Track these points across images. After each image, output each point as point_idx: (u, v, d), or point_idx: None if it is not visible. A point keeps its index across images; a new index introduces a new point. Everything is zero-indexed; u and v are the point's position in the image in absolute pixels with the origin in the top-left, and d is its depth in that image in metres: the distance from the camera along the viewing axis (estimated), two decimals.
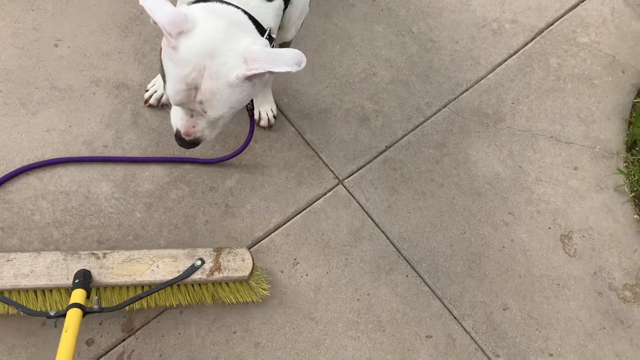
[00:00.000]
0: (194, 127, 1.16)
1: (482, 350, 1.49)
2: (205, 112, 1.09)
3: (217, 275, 1.32)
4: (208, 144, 1.27)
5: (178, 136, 1.19)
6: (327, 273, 1.52)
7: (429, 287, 1.55)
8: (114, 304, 1.31)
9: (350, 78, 1.78)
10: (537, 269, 1.61)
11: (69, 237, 1.45)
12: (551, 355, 1.50)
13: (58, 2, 1.72)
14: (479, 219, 1.65)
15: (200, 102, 1.07)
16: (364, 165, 1.67)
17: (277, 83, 1.72)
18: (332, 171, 1.64)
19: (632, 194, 1.73)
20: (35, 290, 1.27)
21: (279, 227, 1.55)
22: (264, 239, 1.53)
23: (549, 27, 1.96)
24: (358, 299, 1.50)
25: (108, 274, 1.28)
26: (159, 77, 1.60)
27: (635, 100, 1.88)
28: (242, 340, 1.41)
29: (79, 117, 1.59)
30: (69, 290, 1.27)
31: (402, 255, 1.57)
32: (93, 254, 1.29)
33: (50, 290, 1.28)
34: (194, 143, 1.19)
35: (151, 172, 1.55)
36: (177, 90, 1.06)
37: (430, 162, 1.71)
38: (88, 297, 1.24)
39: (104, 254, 1.30)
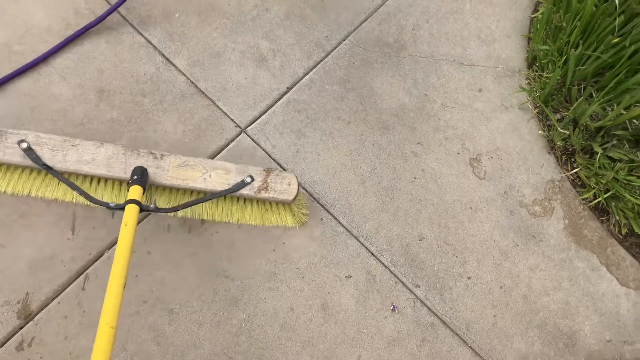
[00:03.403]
0: None
1: (402, 282, 1.48)
2: None
3: (263, 194, 1.36)
4: None
5: None
6: (239, 227, 1.45)
7: (344, 227, 1.51)
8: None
9: (241, 17, 1.66)
10: (450, 195, 1.60)
11: None
12: (469, 278, 1.52)
13: None
14: (389, 153, 1.61)
15: None
16: (267, 110, 1.58)
17: (160, 29, 1.57)
18: (232, 120, 1.55)
19: (536, 110, 1.74)
20: (92, 179, 1.32)
21: None
22: None
23: None
24: (274, 250, 1.45)
25: (163, 175, 1.31)
26: None
27: (533, 16, 1.87)
28: (154, 309, 1.34)
29: None
30: (126, 185, 1.31)
31: (314, 198, 1.52)
32: (151, 153, 1.32)
33: (106, 180, 1.32)
34: None
35: None
36: None
37: (336, 99, 1.64)
38: (143, 194, 1.28)
39: (162, 155, 1.33)
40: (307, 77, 1.65)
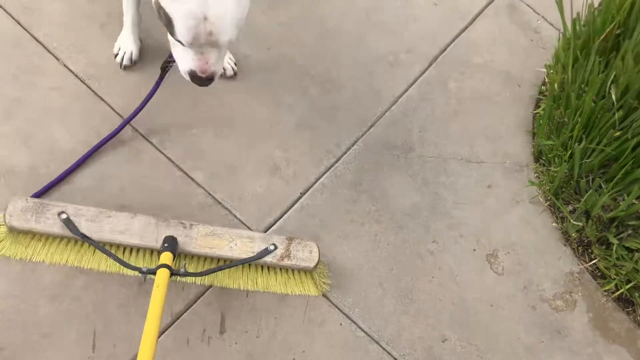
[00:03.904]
0: (207, 62, 1.22)
1: None
2: (216, 41, 1.17)
3: (286, 262, 1.43)
4: (219, 77, 1.30)
5: (194, 76, 1.25)
6: (258, 337, 1.44)
7: (365, 332, 1.50)
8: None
9: (254, 129, 1.74)
10: (469, 293, 1.59)
11: None
12: None
13: None
14: (405, 253, 1.63)
15: (210, 33, 1.15)
16: (281, 217, 1.62)
17: (179, 145, 1.65)
18: (248, 227, 1.58)
19: (547, 203, 1.76)
20: (124, 248, 1.40)
21: (199, 297, 1.47)
22: (185, 311, 1.44)
23: (442, 52, 2.00)
24: (293, 359, 1.43)
25: (192, 243, 1.40)
26: (120, 38, 1.70)
27: (534, 112, 1.93)
28: None
29: None
30: (157, 253, 1.39)
31: (333, 303, 1.52)
32: (181, 223, 1.42)
33: (138, 250, 1.41)
34: (210, 78, 1.26)
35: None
36: (189, 26, 1.13)
37: (348, 202, 1.68)
38: (173, 260, 1.35)
39: (191, 224, 1.42)
40: (319, 182, 1.70)
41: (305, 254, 1.45)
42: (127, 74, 1.70)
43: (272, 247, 1.43)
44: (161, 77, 1.55)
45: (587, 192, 1.66)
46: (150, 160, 1.61)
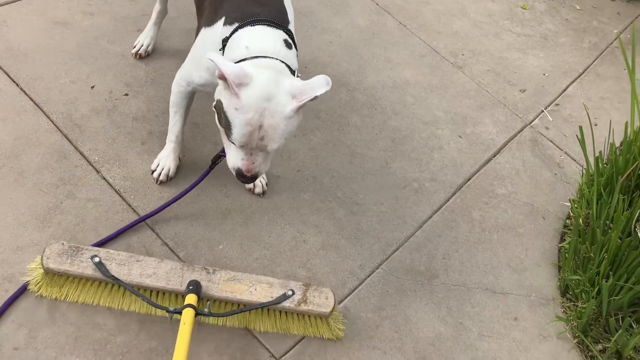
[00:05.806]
0: (253, 163, 1.37)
1: None
2: (265, 147, 1.33)
3: (303, 307, 1.50)
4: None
5: (240, 174, 1.40)
6: None
7: None
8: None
9: (280, 247, 1.77)
10: None
11: None
12: None
13: None
14: None
15: (262, 138, 1.31)
16: (302, 339, 1.59)
17: (204, 260, 1.67)
18: (267, 349, 1.55)
19: (575, 340, 1.70)
20: (151, 291, 1.49)
21: None
22: None
23: (466, 182, 2.05)
24: None
25: (214, 287, 1.48)
26: (160, 155, 1.79)
27: (560, 245, 1.93)
28: None
29: None
30: (182, 296, 1.48)
31: None
32: (205, 268, 1.51)
33: (163, 293, 1.49)
34: (254, 177, 1.41)
35: None
36: (244, 132, 1.30)
37: (370, 327, 1.65)
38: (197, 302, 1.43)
39: (214, 270, 1.51)
40: (341, 304, 1.68)
41: (322, 300, 1.51)
42: (161, 189, 1.77)
43: (290, 293, 1.50)
44: (210, 168, 1.68)
45: (617, 332, 1.61)
46: None
